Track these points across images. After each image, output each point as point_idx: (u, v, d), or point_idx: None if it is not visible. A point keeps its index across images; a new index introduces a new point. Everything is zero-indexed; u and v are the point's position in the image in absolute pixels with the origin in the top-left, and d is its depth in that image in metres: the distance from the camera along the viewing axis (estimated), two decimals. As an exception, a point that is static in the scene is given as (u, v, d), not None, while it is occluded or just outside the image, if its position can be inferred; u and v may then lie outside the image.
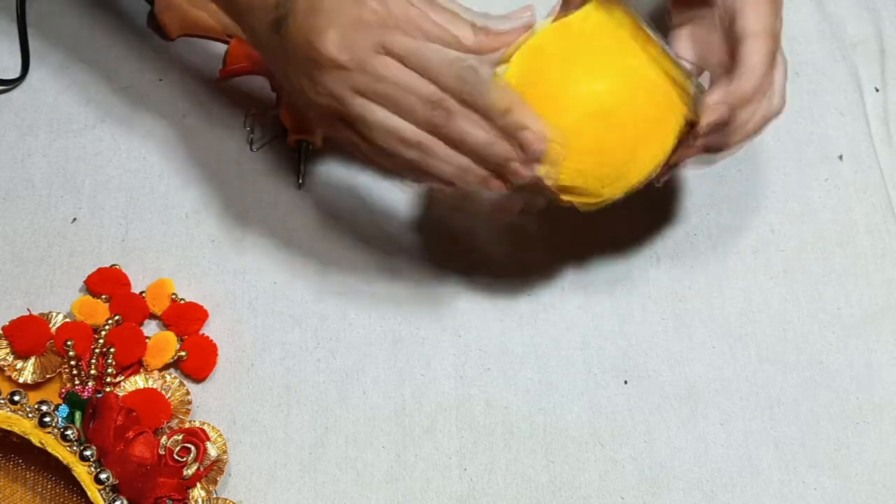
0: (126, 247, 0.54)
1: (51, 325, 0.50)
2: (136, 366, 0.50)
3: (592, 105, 0.42)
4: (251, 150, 0.56)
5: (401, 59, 0.39)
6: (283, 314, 0.53)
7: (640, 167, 0.43)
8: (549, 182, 0.42)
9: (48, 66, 0.59)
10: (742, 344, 0.52)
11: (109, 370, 0.49)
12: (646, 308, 0.53)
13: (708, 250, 0.55)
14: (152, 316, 0.52)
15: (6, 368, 0.49)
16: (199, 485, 0.47)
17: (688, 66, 0.43)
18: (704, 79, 0.46)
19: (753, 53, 0.43)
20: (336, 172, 0.57)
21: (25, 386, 0.49)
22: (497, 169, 0.41)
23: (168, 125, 0.57)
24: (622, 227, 0.55)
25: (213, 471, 0.47)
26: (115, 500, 0.43)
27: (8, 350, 0.49)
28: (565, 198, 0.43)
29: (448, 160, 0.41)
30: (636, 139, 0.43)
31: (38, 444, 0.43)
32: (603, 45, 0.43)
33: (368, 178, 0.56)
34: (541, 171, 0.42)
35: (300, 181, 0.56)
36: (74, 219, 0.54)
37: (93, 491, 0.43)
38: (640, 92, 0.42)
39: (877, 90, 0.59)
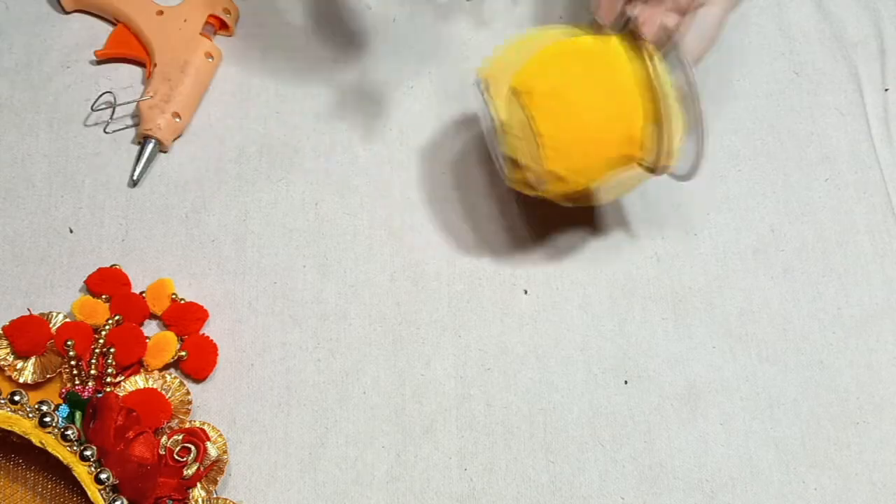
0: (126, 247, 0.54)
1: (51, 325, 0.50)
2: (136, 366, 0.50)
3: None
4: (104, 132, 0.57)
5: None
6: (283, 314, 0.53)
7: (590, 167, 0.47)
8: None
9: (49, 66, 0.59)
10: (742, 344, 0.52)
11: (109, 370, 0.49)
12: (646, 308, 0.53)
13: (708, 250, 0.55)
14: (152, 316, 0.52)
15: (6, 368, 0.49)
16: (199, 485, 0.47)
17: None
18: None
19: None
20: (336, 174, 0.57)
21: (25, 386, 0.49)
22: None
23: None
24: (622, 228, 0.55)
25: (213, 471, 0.47)
26: (115, 500, 0.43)
27: (8, 350, 0.49)
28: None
29: None
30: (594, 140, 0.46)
31: (39, 444, 0.43)
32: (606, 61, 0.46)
33: (367, 179, 0.56)
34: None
35: (134, 177, 0.55)
36: (71, 229, 0.54)
37: (93, 491, 0.43)
38: (613, 103, 0.45)
39: (886, 90, 0.59)
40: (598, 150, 0.46)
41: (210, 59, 0.58)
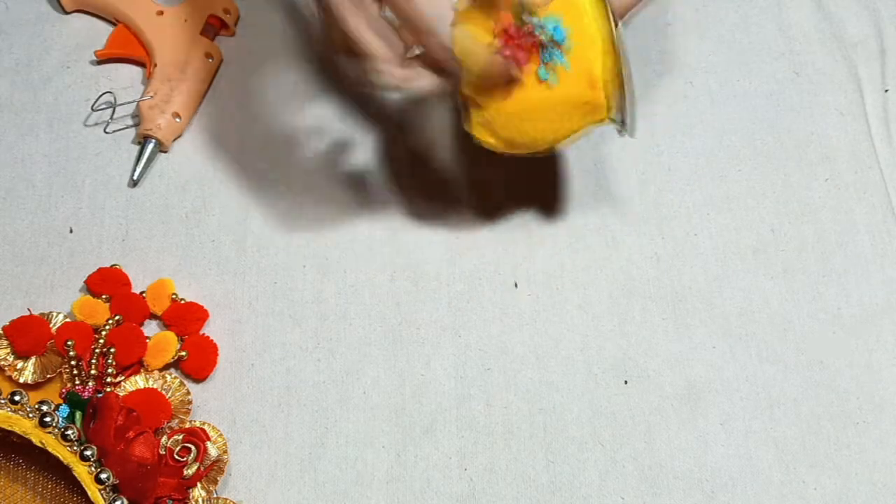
0: (126, 247, 0.54)
1: (51, 325, 0.50)
2: (136, 366, 0.50)
3: None
4: (104, 132, 0.57)
5: None
6: (283, 314, 0.53)
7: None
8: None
9: (49, 66, 0.59)
10: (742, 344, 0.52)
11: (110, 370, 0.49)
12: (646, 308, 0.53)
13: (708, 250, 0.55)
14: (152, 316, 0.52)
15: (6, 368, 0.49)
16: (199, 485, 0.47)
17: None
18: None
19: None
20: (335, 174, 0.57)
21: (26, 386, 0.49)
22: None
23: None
24: (622, 228, 0.55)
25: (213, 471, 0.47)
26: (115, 500, 0.43)
27: (8, 350, 0.49)
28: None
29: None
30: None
31: (39, 444, 0.43)
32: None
33: (367, 179, 0.56)
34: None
35: (134, 178, 0.55)
36: (71, 229, 0.54)
37: (93, 491, 0.43)
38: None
39: (886, 91, 0.59)
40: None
41: (210, 60, 0.58)
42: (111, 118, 0.57)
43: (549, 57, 0.43)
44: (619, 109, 0.45)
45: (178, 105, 0.56)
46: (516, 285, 0.53)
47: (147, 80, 0.58)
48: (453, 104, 0.47)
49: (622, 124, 0.46)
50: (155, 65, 0.57)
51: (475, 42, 0.43)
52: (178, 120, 0.56)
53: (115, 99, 0.56)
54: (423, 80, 0.43)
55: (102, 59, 0.59)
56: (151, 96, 0.56)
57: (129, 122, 0.58)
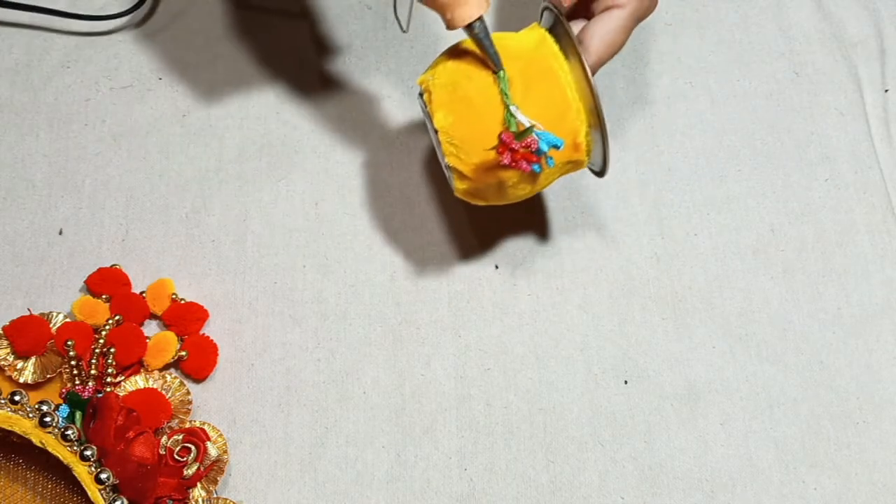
0: (126, 247, 0.54)
1: (51, 325, 0.50)
2: (136, 366, 0.50)
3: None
4: (402, 31, 0.49)
5: None
6: (283, 314, 0.53)
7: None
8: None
9: (49, 66, 0.59)
10: (742, 344, 0.52)
11: (110, 370, 0.49)
12: (646, 308, 0.53)
13: (708, 250, 0.55)
14: (152, 316, 0.52)
15: (7, 368, 0.49)
16: (199, 485, 0.47)
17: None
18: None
19: None
20: (336, 174, 0.57)
21: (26, 386, 0.49)
22: None
23: (168, 125, 0.57)
24: (622, 228, 0.55)
25: (213, 471, 0.47)
26: (115, 500, 0.43)
27: (8, 350, 0.49)
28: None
29: None
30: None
31: (39, 444, 0.43)
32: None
33: (367, 179, 0.56)
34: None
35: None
36: (61, 231, 0.54)
37: (93, 491, 0.43)
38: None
39: (886, 91, 0.59)
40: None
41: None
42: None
43: (539, 168, 0.43)
44: (601, 156, 0.46)
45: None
46: (497, 267, 0.54)
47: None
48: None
49: (602, 168, 0.47)
50: None
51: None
52: None
53: None
54: None
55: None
56: None
57: (133, 123, 0.58)
